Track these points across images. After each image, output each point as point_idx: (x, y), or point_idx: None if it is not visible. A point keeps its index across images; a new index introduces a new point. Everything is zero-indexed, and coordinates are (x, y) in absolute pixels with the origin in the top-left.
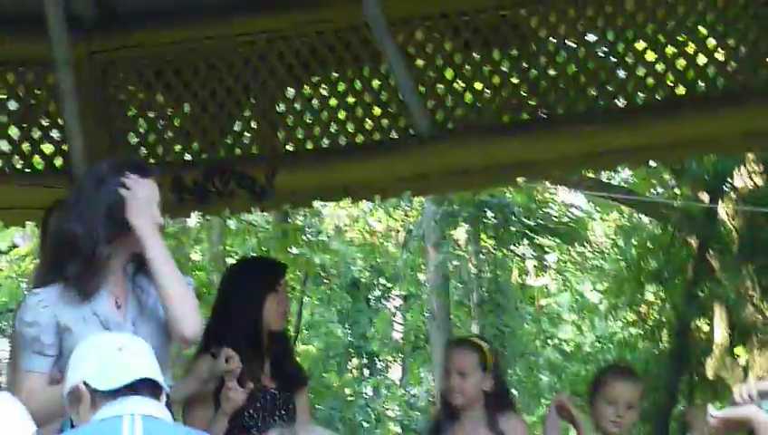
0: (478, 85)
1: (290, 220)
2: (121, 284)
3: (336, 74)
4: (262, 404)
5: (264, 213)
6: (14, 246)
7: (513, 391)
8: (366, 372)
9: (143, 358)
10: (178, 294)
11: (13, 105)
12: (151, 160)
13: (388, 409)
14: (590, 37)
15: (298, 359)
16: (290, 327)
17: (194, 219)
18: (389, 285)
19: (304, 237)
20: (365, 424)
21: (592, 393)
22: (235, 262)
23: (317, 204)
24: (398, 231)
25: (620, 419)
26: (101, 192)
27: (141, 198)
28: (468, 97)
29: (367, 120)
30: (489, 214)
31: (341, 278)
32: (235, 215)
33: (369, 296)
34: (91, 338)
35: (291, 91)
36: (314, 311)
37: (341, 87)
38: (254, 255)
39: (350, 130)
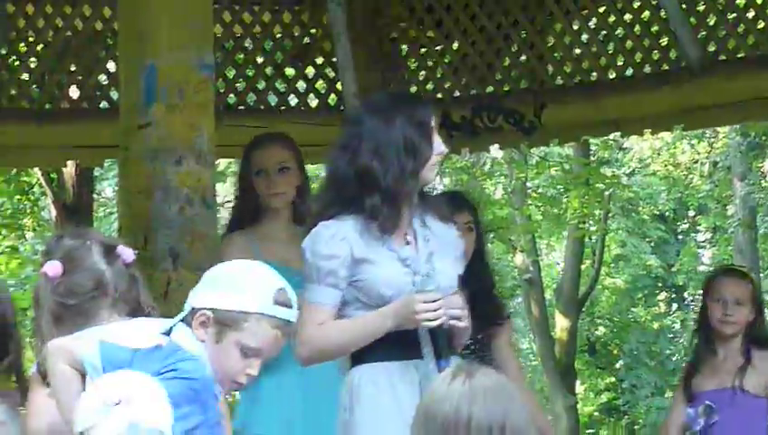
0: (750, 14)
1: (589, 153)
2: (409, 219)
3: (605, 7)
4: None
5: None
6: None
7: None
8: (673, 306)
9: None
10: None
11: (288, 44)
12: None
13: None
14: None
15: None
16: (592, 262)
17: (493, 153)
18: (696, 217)
19: (607, 171)
20: (673, 358)
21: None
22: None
23: (616, 136)
24: (704, 163)
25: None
26: (395, 126)
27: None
28: (741, 28)
29: (637, 52)
30: None
31: (649, 209)
32: (504, 148)
33: (676, 229)
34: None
35: (559, 25)
36: (623, 242)
37: (611, 19)
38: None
39: (619, 63)
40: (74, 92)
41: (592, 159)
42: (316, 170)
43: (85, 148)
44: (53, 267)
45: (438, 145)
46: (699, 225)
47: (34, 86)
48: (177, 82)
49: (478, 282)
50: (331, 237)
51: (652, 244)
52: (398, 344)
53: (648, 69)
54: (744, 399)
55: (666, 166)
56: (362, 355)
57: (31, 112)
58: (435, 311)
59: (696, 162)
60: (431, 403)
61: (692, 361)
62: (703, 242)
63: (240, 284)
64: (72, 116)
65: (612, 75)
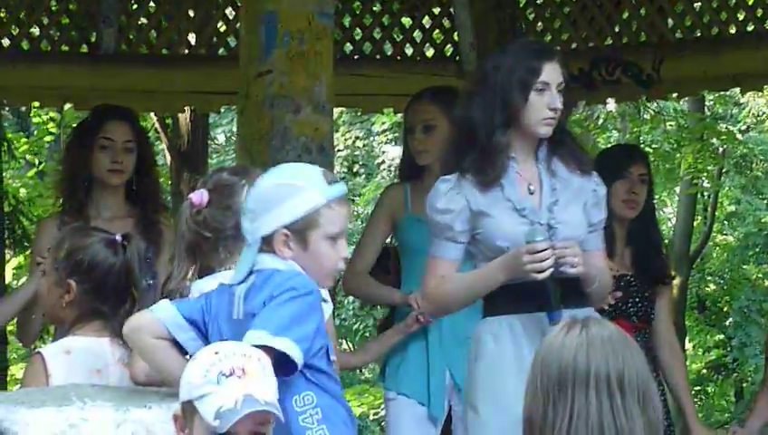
0: None
1: (704, 109)
2: (532, 169)
3: None
4: (616, 289)
5: (680, 101)
6: None
7: None
8: None
9: None
10: None
11: None
12: None
13: None
14: None
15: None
16: (705, 218)
17: (610, 105)
18: None
19: (722, 126)
20: None
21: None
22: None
23: (734, 92)
24: None
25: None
26: (496, 78)
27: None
28: None
29: (758, 8)
30: None
31: (763, 166)
32: (621, 102)
33: None
34: None
35: None
36: (736, 199)
37: None
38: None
39: (739, 17)
40: (192, 38)
41: (707, 113)
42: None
43: (201, 94)
44: (199, 196)
45: (551, 100)
46: None
47: (153, 31)
48: (297, 31)
49: (647, 238)
50: (447, 192)
51: (766, 201)
52: (521, 297)
53: None
54: None
55: None
56: (488, 309)
57: (148, 57)
58: (542, 262)
59: None
60: (548, 353)
61: None
62: None
63: (292, 188)
64: (189, 62)
65: (732, 30)
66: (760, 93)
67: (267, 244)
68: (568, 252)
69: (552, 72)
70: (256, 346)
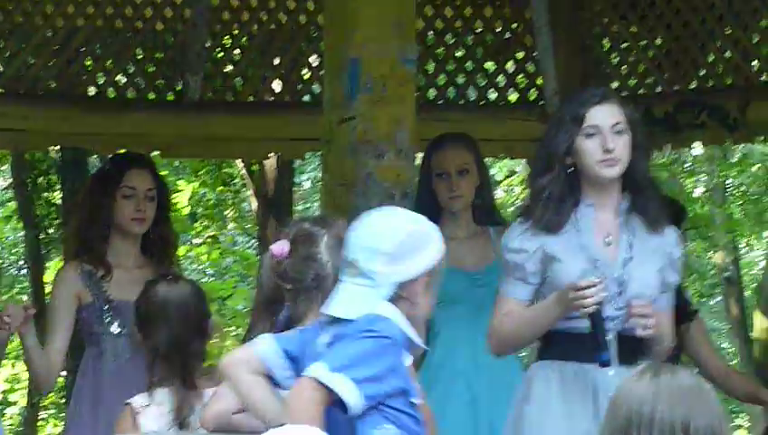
0: None
1: None
2: (610, 219)
3: None
4: None
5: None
6: (512, 173)
7: None
8: None
9: None
10: None
11: (489, 38)
12: (623, 93)
13: None
14: None
15: None
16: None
17: (696, 149)
18: None
19: None
20: None
21: None
22: None
23: None
24: None
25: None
26: (551, 123)
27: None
28: None
29: None
30: None
31: None
32: (707, 145)
33: None
34: None
35: (765, 21)
36: None
37: None
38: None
39: None
40: (277, 85)
41: None
42: (515, 166)
43: (287, 140)
44: (280, 246)
45: (603, 141)
46: None
47: (238, 78)
48: (380, 76)
49: None
50: (523, 232)
51: None
52: (574, 345)
53: None
54: None
55: None
56: (543, 352)
57: (234, 105)
58: (586, 298)
59: None
60: (618, 398)
61: None
62: None
63: (426, 234)
64: (274, 109)
65: None
66: None
67: (401, 288)
68: (639, 311)
69: (601, 115)
70: (311, 377)
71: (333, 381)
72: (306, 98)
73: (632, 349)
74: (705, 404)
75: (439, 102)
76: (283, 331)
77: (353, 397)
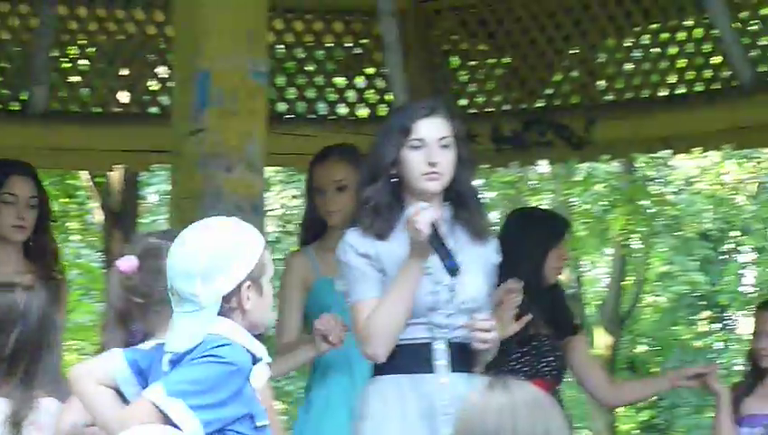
0: None
1: (635, 171)
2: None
3: (658, 24)
4: (531, 349)
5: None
6: None
7: None
8: (715, 326)
9: None
10: None
11: (339, 54)
12: (472, 110)
13: (736, 364)
14: None
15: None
16: (635, 279)
17: (541, 167)
18: (740, 237)
19: (652, 188)
20: None
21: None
22: (517, 211)
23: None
24: (750, 183)
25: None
26: (386, 134)
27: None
28: None
29: (688, 70)
30: None
31: (694, 227)
32: (553, 163)
33: (720, 249)
34: None
35: (611, 42)
36: (668, 260)
37: (663, 37)
38: (539, 206)
39: (671, 80)
40: (124, 97)
41: (637, 175)
42: None
43: (133, 152)
44: (127, 262)
45: (428, 155)
46: (742, 245)
47: (85, 89)
48: (230, 89)
49: (552, 293)
50: (358, 238)
51: (698, 262)
52: (407, 357)
53: (699, 87)
54: None
55: (712, 185)
56: (378, 368)
57: (80, 116)
58: (424, 219)
59: (742, 182)
60: (471, 416)
61: (742, 382)
62: (746, 263)
63: (238, 239)
64: (121, 120)
65: (663, 93)
66: (690, 156)
67: (227, 301)
68: (482, 326)
69: (428, 128)
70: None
71: (169, 407)
72: (154, 109)
73: (464, 357)
74: (557, 415)
75: (290, 116)
76: (139, 344)
77: (188, 426)
